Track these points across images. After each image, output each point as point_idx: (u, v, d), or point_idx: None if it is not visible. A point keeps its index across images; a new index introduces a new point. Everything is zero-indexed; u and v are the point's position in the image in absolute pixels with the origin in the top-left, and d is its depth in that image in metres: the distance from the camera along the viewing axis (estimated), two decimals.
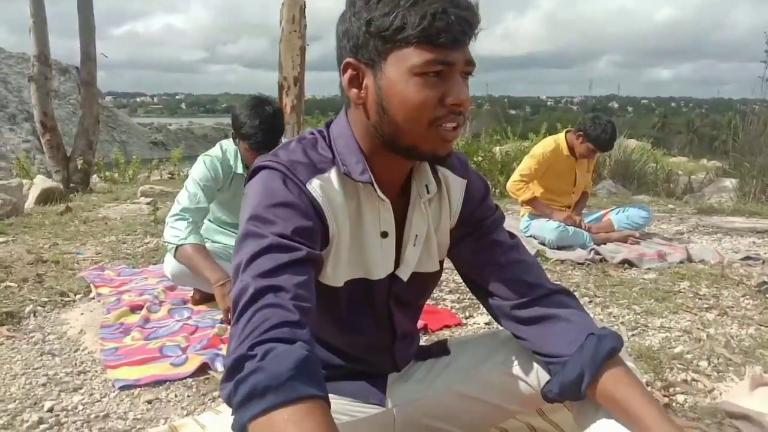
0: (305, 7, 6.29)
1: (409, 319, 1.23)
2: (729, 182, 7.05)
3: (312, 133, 1.06)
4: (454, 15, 0.88)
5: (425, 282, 1.20)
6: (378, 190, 1.02)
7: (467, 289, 1.24)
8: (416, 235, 1.11)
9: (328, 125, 1.07)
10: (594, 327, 1.05)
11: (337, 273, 1.04)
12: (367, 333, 1.15)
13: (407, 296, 1.16)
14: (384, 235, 1.07)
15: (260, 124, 2.27)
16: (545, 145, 3.94)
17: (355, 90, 0.96)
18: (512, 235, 1.18)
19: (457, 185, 1.14)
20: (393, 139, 0.96)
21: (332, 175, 1.00)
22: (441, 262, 1.21)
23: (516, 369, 1.15)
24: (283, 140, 2.52)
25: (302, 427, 0.73)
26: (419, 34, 0.88)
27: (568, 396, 1.03)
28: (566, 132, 3.95)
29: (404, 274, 1.12)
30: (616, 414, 0.97)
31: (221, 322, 2.31)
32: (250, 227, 0.92)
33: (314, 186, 0.97)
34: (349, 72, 0.96)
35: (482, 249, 1.15)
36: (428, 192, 1.09)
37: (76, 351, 2.16)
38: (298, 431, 0.73)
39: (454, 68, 0.91)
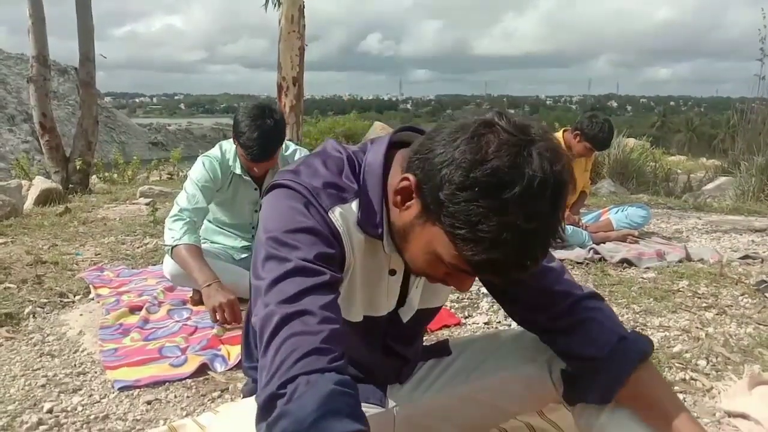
0: (304, 7, 6.30)
1: (411, 346, 1.22)
2: (728, 181, 7.05)
3: (339, 152, 1.01)
4: (526, 268, 0.83)
5: (425, 317, 1.20)
6: (386, 246, 0.99)
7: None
8: (420, 277, 1.09)
9: (364, 150, 1.01)
10: (624, 330, 1.06)
11: (352, 306, 1.04)
12: (369, 362, 1.15)
13: (405, 332, 1.16)
14: (392, 272, 1.06)
15: (258, 138, 2.26)
16: None
17: (399, 198, 0.91)
18: None
19: None
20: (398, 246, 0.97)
21: (353, 206, 0.96)
22: (447, 296, 1.22)
23: (516, 371, 1.16)
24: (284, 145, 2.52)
25: None
26: (480, 266, 0.83)
27: (598, 401, 1.04)
28: (564, 131, 3.95)
29: (405, 316, 1.12)
30: (644, 414, 0.99)
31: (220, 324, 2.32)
32: (272, 250, 0.90)
33: (336, 215, 0.94)
34: (405, 183, 0.89)
35: None
36: None
37: (75, 352, 2.16)
38: None
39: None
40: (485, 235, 0.78)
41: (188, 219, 2.38)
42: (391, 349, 1.15)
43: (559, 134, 3.96)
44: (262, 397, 0.81)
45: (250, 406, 0.93)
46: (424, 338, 2.21)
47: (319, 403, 0.76)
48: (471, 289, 2.81)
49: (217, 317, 2.23)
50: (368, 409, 1.14)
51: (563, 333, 1.08)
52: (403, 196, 0.90)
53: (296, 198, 0.93)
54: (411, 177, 0.87)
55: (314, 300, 0.85)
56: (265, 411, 0.80)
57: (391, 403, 1.18)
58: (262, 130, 2.26)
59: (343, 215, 0.95)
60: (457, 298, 2.74)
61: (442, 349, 1.27)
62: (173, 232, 2.35)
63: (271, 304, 0.86)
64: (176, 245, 2.33)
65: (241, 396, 1.37)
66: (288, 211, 0.92)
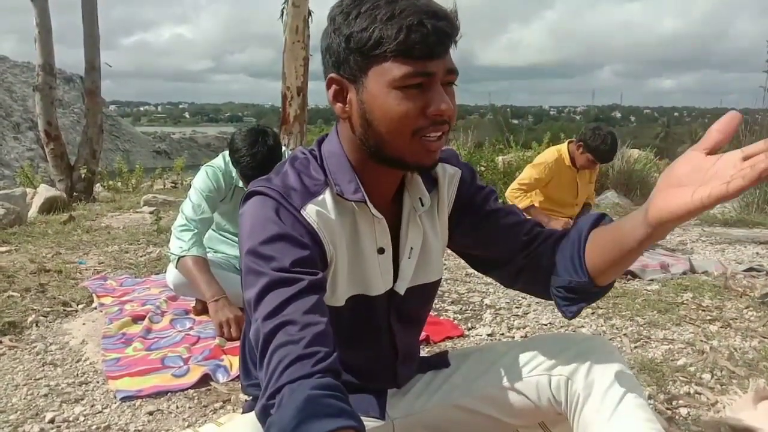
0: (309, 18, 6.33)
1: (410, 336, 1.22)
2: None
3: (303, 153, 1.06)
4: (431, 26, 0.88)
5: (426, 293, 1.20)
6: (372, 208, 1.02)
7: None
8: (411, 248, 1.11)
9: (319, 143, 1.07)
10: None
11: (337, 293, 1.05)
12: (369, 351, 1.15)
13: (408, 310, 1.16)
14: (380, 251, 1.07)
15: (255, 168, 2.27)
16: (548, 155, 3.94)
17: (339, 104, 0.97)
18: (507, 205, 1.20)
19: (452, 175, 1.15)
20: (379, 151, 0.97)
21: (326, 197, 1.00)
22: (441, 267, 1.21)
23: (515, 383, 1.15)
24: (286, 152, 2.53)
25: None
26: (396, 47, 0.88)
27: (573, 275, 1.04)
28: (568, 143, 3.96)
29: (401, 288, 1.12)
30: (611, 252, 0.98)
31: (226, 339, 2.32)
32: (250, 264, 0.93)
33: (309, 212, 0.97)
34: (333, 87, 0.97)
35: (481, 221, 1.16)
36: (422, 205, 1.09)
37: (77, 361, 2.16)
38: None
39: (434, 78, 0.91)
40: (385, 15, 0.88)
41: (196, 230, 2.40)
42: (392, 336, 1.15)
43: (563, 146, 3.96)
44: (257, 410, 0.85)
45: (252, 418, 0.93)
46: (426, 350, 2.22)
47: (297, 411, 0.78)
48: (474, 301, 2.81)
49: (224, 333, 2.25)
50: (368, 423, 1.14)
51: (540, 262, 1.11)
52: (339, 97, 0.97)
53: (268, 204, 0.96)
54: (330, 76, 0.96)
55: (295, 308, 0.88)
56: (262, 423, 0.84)
57: (390, 417, 1.18)
58: (257, 161, 2.28)
59: (318, 211, 0.97)
60: (461, 309, 2.74)
61: (441, 361, 1.27)
62: (181, 242, 2.37)
63: (258, 320, 0.89)
64: (183, 256, 2.34)
65: (242, 411, 1.37)
66: (261, 221, 0.95)
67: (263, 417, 0.84)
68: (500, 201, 1.19)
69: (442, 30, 0.89)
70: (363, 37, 0.89)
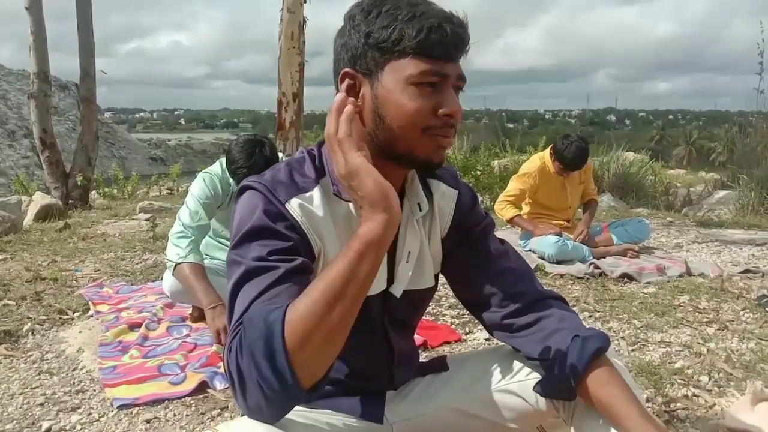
0: (304, 24, 6.33)
1: (405, 339, 1.23)
2: (727, 194, 7.06)
3: (302, 153, 1.09)
4: (450, 30, 0.93)
5: (420, 299, 1.21)
6: None
7: None
8: (409, 252, 1.12)
9: (320, 144, 1.08)
10: (581, 329, 1.07)
11: None
12: (364, 352, 1.14)
13: (402, 314, 1.17)
14: None
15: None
16: (531, 165, 3.98)
17: (352, 99, 0.99)
18: (502, 241, 1.20)
19: (448, 196, 1.17)
20: (388, 146, 0.98)
21: (315, 194, 1.02)
22: (436, 277, 1.21)
23: (514, 386, 1.15)
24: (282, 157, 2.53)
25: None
26: (416, 46, 0.92)
27: (556, 397, 1.06)
28: (550, 148, 3.99)
29: (397, 291, 1.12)
30: (603, 415, 0.99)
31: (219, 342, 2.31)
32: (232, 255, 0.96)
33: (293, 206, 0.98)
34: (347, 81, 0.99)
35: (472, 259, 1.16)
36: (420, 210, 1.11)
37: (74, 370, 2.15)
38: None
39: (447, 80, 0.95)
40: (406, 15, 0.92)
41: (193, 237, 2.39)
42: (387, 337, 1.16)
43: (546, 152, 4.00)
44: (225, 362, 0.88)
45: (250, 424, 0.92)
46: (424, 355, 2.21)
47: (260, 329, 0.82)
48: None
49: (221, 340, 2.24)
50: (366, 427, 1.14)
51: (520, 333, 1.11)
52: (351, 91, 0.99)
53: (255, 197, 0.99)
54: (344, 71, 0.98)
55: (265, 299, 0.89)
56: (232, 371, 0.86)
57: (388, 420, 1.18)
58: (254, 172, 2.27)
59: (302, 205, 0.99)
60: (458, 314, 2.74)
61: (439, 365, 1.27)
62: (178, 249, 2.36)
63: (235, 314, 0.90)
64: (180, 263, 2.34)
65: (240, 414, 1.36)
66: (247, 212, 0.98)
67: (233, 363, 0.85)
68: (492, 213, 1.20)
69: (459, 35, 0.95)
70: (384, 35, 0.93)
